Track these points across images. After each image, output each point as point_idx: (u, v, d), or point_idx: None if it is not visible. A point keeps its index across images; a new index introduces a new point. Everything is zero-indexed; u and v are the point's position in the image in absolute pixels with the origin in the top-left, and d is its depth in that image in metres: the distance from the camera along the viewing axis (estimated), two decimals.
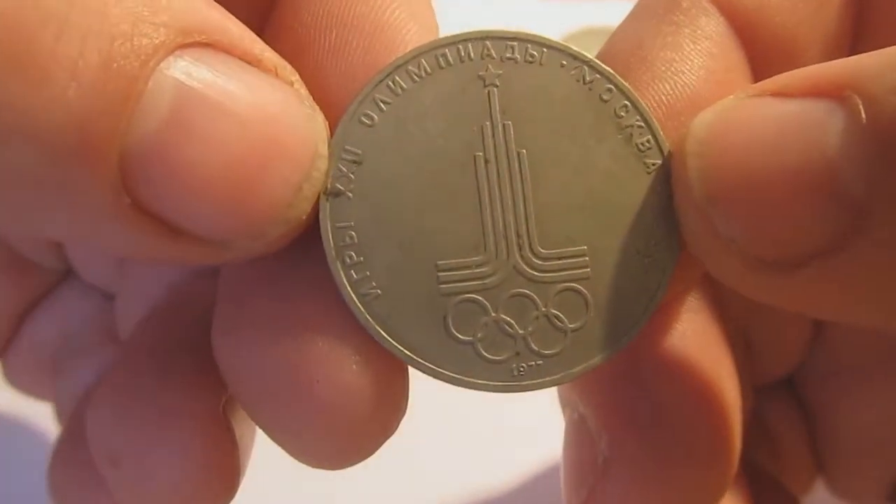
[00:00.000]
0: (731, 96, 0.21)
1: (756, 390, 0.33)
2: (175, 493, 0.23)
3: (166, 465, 0.23)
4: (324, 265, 0.22)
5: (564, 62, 0.23)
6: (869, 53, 0.19)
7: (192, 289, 0.27)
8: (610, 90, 0.23)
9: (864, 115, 0.18)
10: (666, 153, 0.23)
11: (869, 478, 0.33)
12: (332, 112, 0.22)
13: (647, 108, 0.23)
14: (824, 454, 0.33)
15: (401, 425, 0.23)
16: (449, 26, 0.24)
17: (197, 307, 0.25)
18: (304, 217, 0.21)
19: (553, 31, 0.23)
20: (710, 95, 0.23)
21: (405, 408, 0.23)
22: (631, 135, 0.23)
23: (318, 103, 0.22)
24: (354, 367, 0.21)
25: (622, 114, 0.23)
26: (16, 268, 0.30)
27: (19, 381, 0.33)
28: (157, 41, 0.18)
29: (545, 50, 0.23)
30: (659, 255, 0.23)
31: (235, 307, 0.23)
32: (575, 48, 0.23)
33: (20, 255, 0.31)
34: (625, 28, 0.24)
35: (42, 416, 0.33)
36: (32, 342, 0.31)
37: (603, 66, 0.23)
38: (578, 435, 0.26)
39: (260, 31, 0.23)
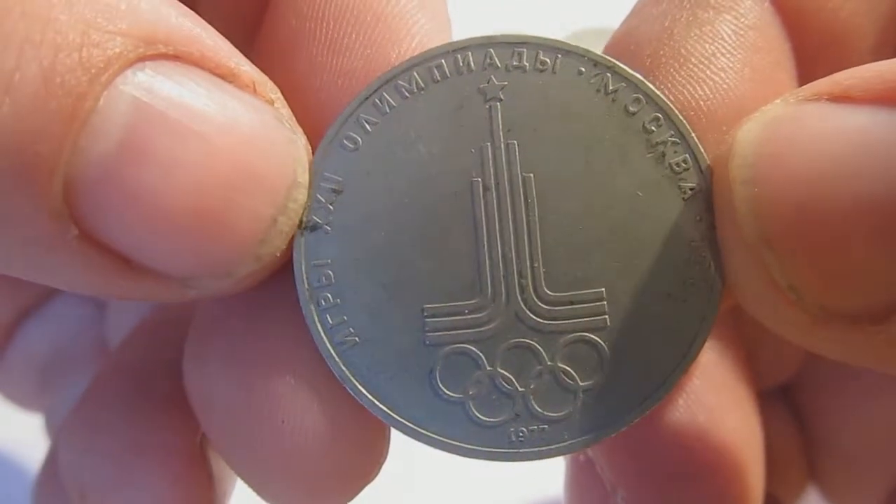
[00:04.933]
0: (779, 100, 0.17)
1: None
2: None
3: (133, 502, 0.22)
4: (299, 305, 0.19)
5: (583, 69, 0.19)
6: None
7: (177, 305, 0.26)
8: (638, 100, 0.19)
9: None
10: (707, 174, 0.19)
11: (865, 487, 0.29)
12: (327, 119, 0.19)
13: (685, 121, 0.19)
14: (819, 463, 0.30)
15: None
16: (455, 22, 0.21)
17: (182, 326, 0.23)
18: (277, 254, 0.19)
19: (555, 32, 0.19)
20: (756, 100, 0.19)
21: (384, 455, 0.20)
22: (663, 154, 0.19)
23: (311, 107, 0.19)
24: (325, 410, 0.19)
25: (653, 128, 0.19)
26: (7, 277, 0.30)
27: (10, 393, 0.32)
28: (111, 52, 0.16)
29: (559, 56, 0.19)
30: (696, 300, 0.19)
31: (206, 336, 0.21)
32: (596, 53, 0.19)
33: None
34: (648, 10, 0.20)
35: (33, 428, 0.32)
36: (24, 354, 0.31)
37: (630, 71, 0.19)
38: (585, 480, 0.22)
39: (255, 26, 0.21)
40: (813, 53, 0.21)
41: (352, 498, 0.20)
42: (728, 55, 0.19)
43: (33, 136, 0.16)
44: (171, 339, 0.23)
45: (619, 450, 0.22)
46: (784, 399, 0.30)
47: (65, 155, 0.16)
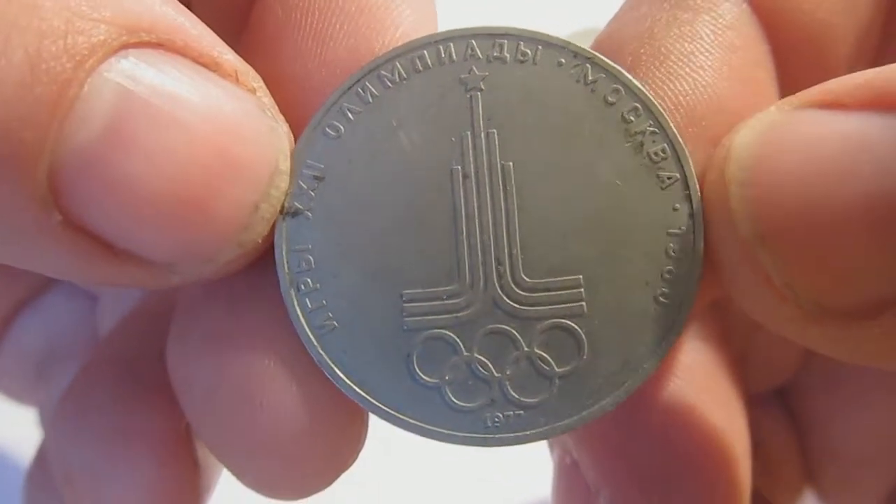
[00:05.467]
0: (773, 108, 0.18)
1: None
2: None
3: (118, 486, 0.22)
4: (279, 290, 0.19)
5: (563, 60, 0.19)
6: None
7: (166, 294, 0.26)
8: (617, 91, 0.19)
9: None
10: (686, 164, 0.19)
11: (862, 490, 0.28)
12: (311, 108, 0.20)
13: (664, 111, 0.19)
14: (816, 466, 0.29)
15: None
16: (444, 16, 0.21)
17: (169, 317, 0.23)
18: (259, 240, 0.19)
19: (555, 32, 0.20)
20: (734, 97, 0.19)
21: (363, 440, 0.20)
22: (642, 143, 0.19)
23: (295, 96, 0.19)
24: (304, 392, 0.19)
25: (631, 118, 0.19)
26: (1, 267, 0.30)
27: (4, 386, 0.32)
28: (95, 40, 0.16)
29: (539, 47, 0.19)
30: (674, 289, 0.19)
31: (188, 320, 0.21)
32: (576, 44, 0.20)
33: None
34: (630, 11, 0.21)
35: (27, 422, 0.33)
36: (18, 347, 0.31)
37: (609, 62, 0.19)
38: (570, 482, 0.22)
39: (244, 18, 0.21)
40: (791, 53, 0.21)
41: (329, 483, 0.20)
42: (706, 53, 0.20)
43: (19, 122, 0.16)
44: (159, 329, 0.23)
45: (602, 449, 0.22)
46: (780, 402, 0.30)
47: (49, 142, 0.16)
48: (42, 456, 0.26)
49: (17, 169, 0.16)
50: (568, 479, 0.23)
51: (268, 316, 0.20)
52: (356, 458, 0.20)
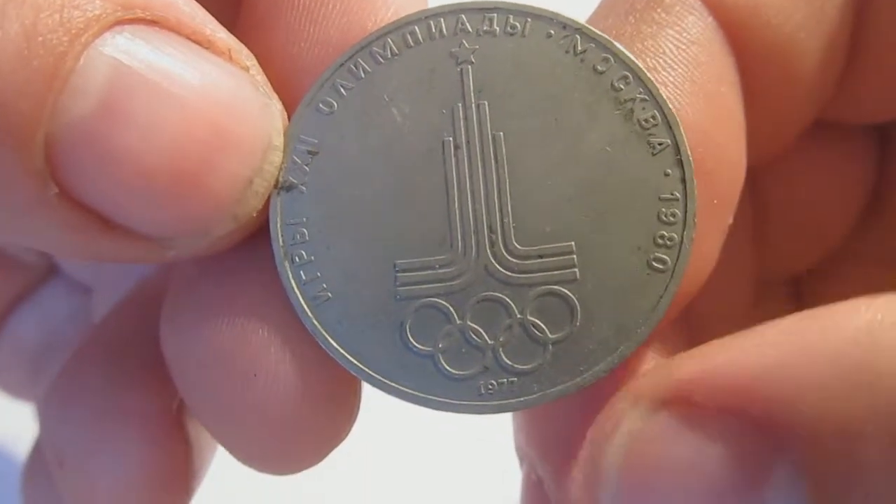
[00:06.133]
0: (634, 409, 0.17)
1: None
2: (118, 497, 0.22)
3: (108, 466, 0.22)
4: (272, 264, 0.20)
5: (552, 31, 0.20)
6: (769, 343, 0.17)
7: (159, 282, 0.26)
8: (606, 60, 0.19)
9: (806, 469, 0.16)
10: (676, 130, 0.19)
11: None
12: (304, 85, 0.20)
13: (652, 79, 0.19)
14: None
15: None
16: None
17: (162, 301, 0.24)
18: (254, 214, 0.19)
19: None
20: (695, 115, 0.19)
21: (355, 413, 0.20)
22: (632, 110, 0.19)
23: (289, 74, 0.20)
24: (297, 363, 0.19)
25: (621, 86, 0.19)
26: None
27: (1, 381, 0.32)
28: (91, 14, 0.17)
29: (529, 20, 0.20)
30: (665, 253, 0.19)
31: (182, 293, 0.21)
32: (566, 15, 0.20)
33: (2, 250, 0.30)
34: (595, 24, 0.21)
35: (24, 417, 0.32)
36: (14, 341, 0.31)
37: (598, 32, 0.20)
38: (536, 499, 0.21)
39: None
40: (757, 67, 0.21)
41: (321, 458, 0.20)
42: (669, 69, 0.20)
43: (15, 93, 0.16)
44: (152, 314, 0.23)
45: (564, 454, 0.21)
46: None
47: (46, 114, 0.17)
48: (39, 449, 0.26)
49: (14, 140, 0.16)
50: (534, 495, 0.22)
51: (261, 288, 0.20)
52: (349, 431, 0.20)
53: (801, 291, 0.30)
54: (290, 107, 0.20)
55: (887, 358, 0.16)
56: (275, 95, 0.20)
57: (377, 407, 0.22)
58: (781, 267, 0.29)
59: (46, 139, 0.17)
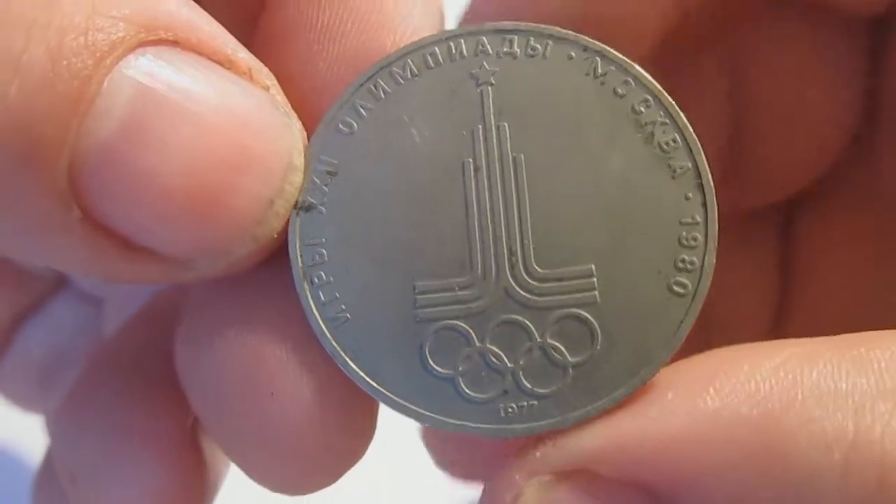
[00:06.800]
0: (540, 482, 0.18)
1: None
2: None
3: (122, 485, 0.22)
4: (290, 284, 0.19)
5: (573, 54, 0.20)
6: None
7: (173, 296, 0.26)
8: (627, 83, 0.19)
9: None
10: (697, 154, 0.19)
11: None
12: (324, 105, 0.20)
13: (673, 103, 0.19)
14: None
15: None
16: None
17: (176, 316, 0.24)
18: (274, 235, 0.19)
19: None
20: None
21: (372, 433, 0.20)
22: (652, 133, 0.19)
23: (308, 93, 0.20)
24: (315, 383, 0.19)
25: (642, 109, 0.19)
26: (7, 274, 0.30)
27: (11, 393, 0.32)
28: (115, 37, 0.17)
29: (550, 42, 0.20)
30: (686, 277, 0.19)
31: (198, 311, 0.21)
32: (587, 37, 0.20)
33: (12, 261, 0.30)
34: None
35: (34, 429, 0.32)
36: (24, 353, 0.31)
37: (619, 55, 0.20)
38: None
39: (256, 16, 0.21)
40: None
41: (336, 478, 0.20)
42: None
43: (41, 117, 0.16)
44: (165, 329, 0.23)
45: None
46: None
47: (70, 137, 0.17)
48: (49, 462, 0.26)
49: (38, 164, 0.16)
50: None
51: (278, 308, 0.20)
52: (364, 452, 0.20)
53: (787, 227, 0.29)
54: (309, 127, 0.20)
55: (788, 438, 0.16)
56: (294, 115, 0.20)
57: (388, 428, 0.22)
58: (765, 191, 0.28)
59: (70, 162, 0.17)
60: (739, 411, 0.17)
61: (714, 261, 0.19)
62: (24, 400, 0.32)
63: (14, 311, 0.31)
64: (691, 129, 0.19)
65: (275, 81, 0.20)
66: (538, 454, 0.18)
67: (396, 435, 0.22)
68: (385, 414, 0.20)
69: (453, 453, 0.26)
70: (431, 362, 0.19)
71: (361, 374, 0.19)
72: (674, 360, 0.19)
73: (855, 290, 0.26)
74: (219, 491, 0.24)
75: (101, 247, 0.18)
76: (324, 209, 0.19)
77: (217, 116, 0.18)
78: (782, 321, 0.29)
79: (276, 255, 0.20)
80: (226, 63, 0.18)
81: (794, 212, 0.29)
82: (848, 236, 0.27)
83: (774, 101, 0.26)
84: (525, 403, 0.19)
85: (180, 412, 0.22)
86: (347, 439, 0.20)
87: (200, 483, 0.23)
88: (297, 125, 0.19)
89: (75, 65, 0.16)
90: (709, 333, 0.18)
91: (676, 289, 0.19)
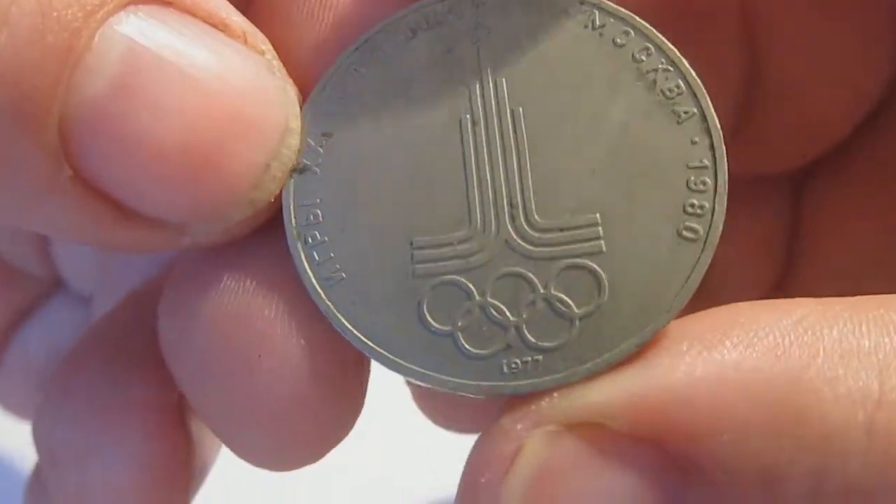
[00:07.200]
0: (543, 434, 0.16)
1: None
2: (113, 495, 0.20)
3: (104, 462, 0.20)
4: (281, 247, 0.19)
5: (569, 8, 0.19)
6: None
7: (159, 282, 0.25)
8: (626, 33, 0.19)
9: None
10: (703, 99, 0.18)
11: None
12: (321, 69, 0.20)
13: (675, 49, 0.19)
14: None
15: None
16: None
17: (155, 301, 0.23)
18: (272, 199, 0.19)
19: None
20: None
21: (361, 405, 0.19)
22: (654, 81, 0.19)
23: (305, 58, 0.20)
24: (304, 344, 0.18)
25: (642, 58, 0.19)
26: (2, 276, 0.30)
27: (6, 399, 0.31)
28: None
29: None
30: (697, 222, 0.18)
31: (182, 278, 0.20)
32: None
33: (6, 263, 0.30)
34: None
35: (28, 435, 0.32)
36: (20, 358, 0.30)
37: (617, 7, 0.19)
38: None
39: None
40: None
41: (324, 452, 0.19)
42: None
43: (31, 69, 0.16)
44: (150, 309, 0.22)
45: None
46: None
47: (60, 91, 0.16)
48: (40, 468, 0.25)
49: (29, 117, 0.16)
50: None
51: (267, 270, 0.19)
52: (353, 424, 0.19)
53: (798, 193, 0.28)
54: (304, 90, 0.20)
55: (810, 395, 0.15)
56: (290, 79, 0.19)
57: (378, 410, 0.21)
58: (780, 156, 0.27)
59: (61, 117, 0.16)
60: (759, 365, 0.16)
61: (725, 204, 0.18)
62: (21, 407, 0.31)
63: (10, 313, 0.30)
64: (695, 75, 0.18)
65: (269, 46, 0.19)
66: (543, 403, 0.16)
67: (385, 416, 0.21)
68: (373, 397, 0.19)
69: (447, 412, 0.24)
70: (429, 318, 0.18)
71: (356, 332, 0.18)
72: (681, 315, 0.17)
73: (863, 264, 0.25)
74: (208, 474, 0.23)
75: (94, 210, 0.18)
76: (318, 170, 0.19)
77: (212, 78, 0.17)
78: (785, 289, 0.27)
79: (268, 223, 0.19)
80: (220, 26, 0.18)
81: (807, 178, 0.28)
82: (861, 208, 0.26)
83: (793, 52, 0.25)
84: (529, 358, 0.17)
85: (165, 386, 0.21)
86: (337, 406, 0.19)
87: (186, 462, 0.22)
88: (292, 89, 0.19)
89: (65, 17, 0.16)
90: (709, 298, 0.17)
91: (686, 234, 0.18)
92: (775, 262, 0.27)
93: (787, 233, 0.27)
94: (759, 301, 0.17)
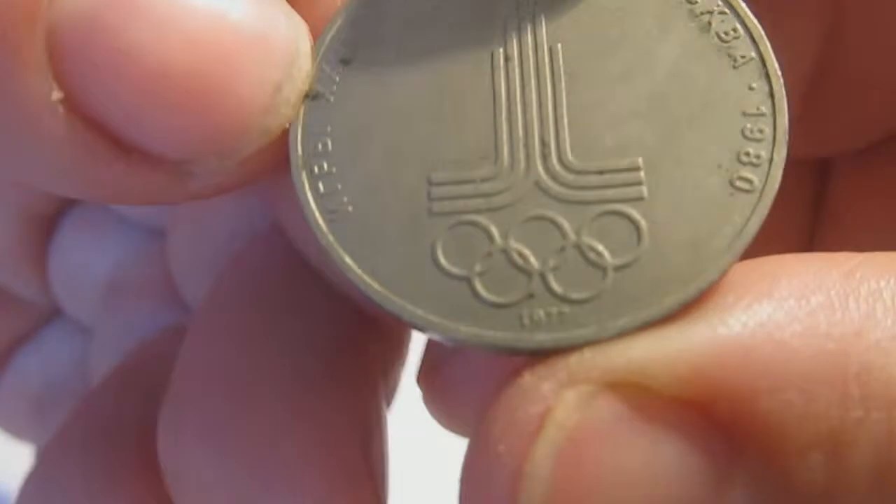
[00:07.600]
0: (576, 394, 0.14)
1: None
2: None
3: None
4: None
5: None
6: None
7: (158, 349, 0.23)
8: None
9: None
10: (762, 43, 0.17)
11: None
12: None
13: None
14: None
15: None
16: None
17: (154, 376, 0.21)
18: (286, 125, 0.17)
19: None
20: None
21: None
22: (709, 23, 0.17)
23: None
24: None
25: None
26: (0, 301, 0.29)
27: (4, 422, 0.30)
28: None
29: None
30: (752, 172, 0.16)
31: (185, 400, 0.19)
32: None
33: (4, 290, 0.29)
34: None
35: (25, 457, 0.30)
36: (17, 382, 0.29)
37: None
38: None
39: None
40: None
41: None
42: None
43: None
44: (142, 389, 0.20)
45: None
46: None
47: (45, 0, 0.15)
48: None
49: (14, 29, 0.14)
50: None
51: (279, 403, 0.17)
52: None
53: (825, 168, 0.26)
54: (323, 19, 0.18)
55: (871, 353, 0.13)
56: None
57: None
58: (843, 139, 0.25)
59: (48, 29, 0.15)
60: (817, 318, 0.14)
61: (785, 155, 0.16)
62: (17, 428, 0.30)
63: (7, 340, 0.29)
64: (754, 19, 0.17)
65: None
66: (573, 360, 0.14)
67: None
68: None
69: (457, 409, 0.21)
70: (443, 261, 0.16)
71: (358, 271, 0.16)
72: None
73: (886, 244, 0.23)
74: None
75: (87, 143, 0.16)
76: (332, 98, 0.17)
77: None
78: None
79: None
80: None
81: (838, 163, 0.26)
82: (885, 187, 0.24)
83: (875, 36, 0.23)
84: (554, 310, 0.15)
85: (153, 492, 0.19)
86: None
87: None
88: (297, 16, 0.18)
89: None
90: None
91: (740, 184, 0.16)
92: (799, 237, 0.25)
93: (809, 209, 0.25)
94: (804, 253, 0.15)
